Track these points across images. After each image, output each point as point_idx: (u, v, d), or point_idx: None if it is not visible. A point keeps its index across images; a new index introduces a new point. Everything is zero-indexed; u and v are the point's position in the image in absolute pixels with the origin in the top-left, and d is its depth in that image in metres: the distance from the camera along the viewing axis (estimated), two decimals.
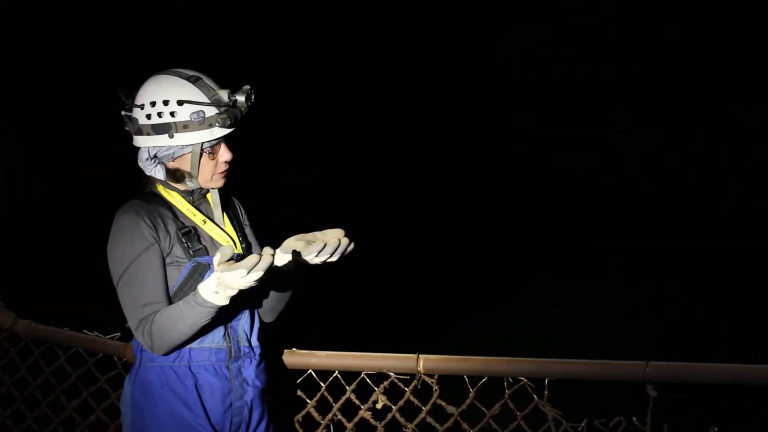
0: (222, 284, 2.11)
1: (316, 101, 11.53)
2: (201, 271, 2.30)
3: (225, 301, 2.14)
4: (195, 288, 2.18)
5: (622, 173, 11.44)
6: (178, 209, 2.38)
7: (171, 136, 2.27)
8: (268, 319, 2.54)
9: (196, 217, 2.39)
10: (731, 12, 10.85)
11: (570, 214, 10.90)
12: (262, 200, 2.66)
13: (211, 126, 2.27)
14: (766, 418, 2.39)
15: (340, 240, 2.24)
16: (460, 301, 8.75)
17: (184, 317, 2.18)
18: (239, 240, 2.47)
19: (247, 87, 2.30)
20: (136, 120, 2.31)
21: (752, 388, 2.43)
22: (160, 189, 2.39)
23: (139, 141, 2.33)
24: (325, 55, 11.76)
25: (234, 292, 2.12)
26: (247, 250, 2.49)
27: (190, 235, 2.33)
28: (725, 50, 11.08)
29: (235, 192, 2.59)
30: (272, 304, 2.51)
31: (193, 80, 2.29)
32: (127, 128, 2.37)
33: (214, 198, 2.45)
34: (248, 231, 2.55)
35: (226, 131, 2.29)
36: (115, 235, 2.28)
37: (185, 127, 2.26)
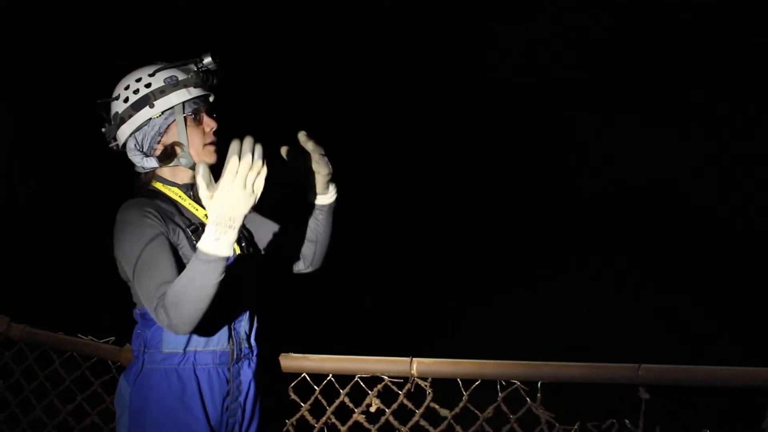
0: (220, 222, 1.99)
1: (310, 104, 11.53)
2: None
3: (227, 250, 2.01)
4: None
5: (619, 175, 11.44)
6: (181, 204, 2.36)
7: (151, 106, 2.32)
8: (315, 266, 2.61)
9: (199, 212, 2.36)
10: (731, 11, 10.85)
11: (564, 215, 10.91)
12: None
13: (186, 86, 2.34)
14: (758, 421, 2.40)
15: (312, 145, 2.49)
16: (453, 304, 8.76)
17: (191, 280, 2.04)
18: (243, 236, 2.47)
19: (210, 51, 2.39)
20: (117, 113, 2.35)
21: (744, 391, 2.44)
22: (159, 186, 2.38)
23: (124, 131, 2.35)
24: (319, 59, 11.75)
25: (236, 227, 2.00)
26: (252, 249, 2.49)
27: (198, 232, 2.28)
28: (725, 51, 11.10)
29: None
30: (323, 245, 2.58)
31: (159, 62, 2.40)
32: (110, 144, 2.40)
33: None
34: (256, 217, 2.56)
35: (203, 92, 2.37)
36: (123, 229, 2.24)
37: (162, 92, 2.32)
